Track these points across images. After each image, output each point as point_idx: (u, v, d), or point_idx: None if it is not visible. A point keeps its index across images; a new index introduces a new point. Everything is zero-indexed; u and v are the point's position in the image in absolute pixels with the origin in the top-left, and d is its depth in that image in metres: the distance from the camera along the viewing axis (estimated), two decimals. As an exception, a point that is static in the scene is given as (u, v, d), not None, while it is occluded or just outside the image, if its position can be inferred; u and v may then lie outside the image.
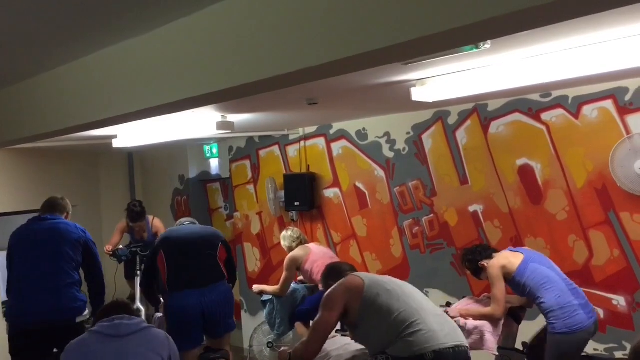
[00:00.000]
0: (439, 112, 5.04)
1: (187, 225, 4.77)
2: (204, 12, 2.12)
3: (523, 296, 3.81)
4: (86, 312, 4.18)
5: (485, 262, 3.82)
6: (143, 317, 5.55)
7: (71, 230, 4.23)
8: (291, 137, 6.18)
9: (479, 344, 3.72)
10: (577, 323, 3.50)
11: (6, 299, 4.29)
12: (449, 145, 5.01)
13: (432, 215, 5.17)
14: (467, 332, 3.66)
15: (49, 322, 3.97)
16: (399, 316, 2.80)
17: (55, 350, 3.89)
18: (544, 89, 4.30)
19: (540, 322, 3.91)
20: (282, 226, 6.09)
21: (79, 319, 4.09)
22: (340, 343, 3.27)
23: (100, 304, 4.25)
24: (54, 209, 4.34)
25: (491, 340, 3.74)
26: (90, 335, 2.88)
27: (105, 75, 2.65)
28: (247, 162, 6.64)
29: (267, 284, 5.68)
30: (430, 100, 3.62)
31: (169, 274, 4.42)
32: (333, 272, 3.39)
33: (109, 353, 2.76)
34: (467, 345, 2.92)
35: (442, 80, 3.39)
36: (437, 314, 2.93)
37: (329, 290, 3.03)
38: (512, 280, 3.71)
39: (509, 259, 3.77)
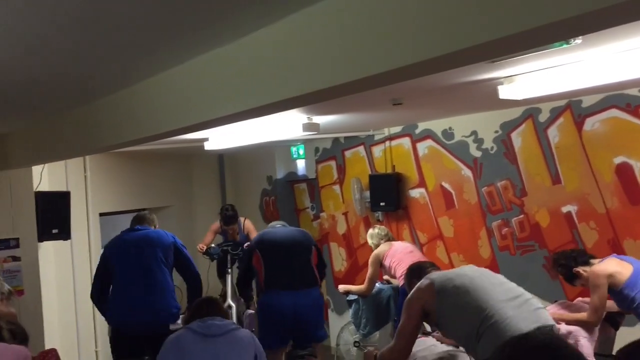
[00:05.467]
0: (529, 109, 4.88)
1: (280, 227, 4.87)
2: (291, 18, 2.18)
3: (627, 310, 3.60)
4: (179, 321, 4.30)
5: (581, 269, 3.65)
6: (234, 313, 5.74)
7: (162, 237, 4.44)
8: (376, 138, 6.18)
9: (574, 350, 3.57)
10: None
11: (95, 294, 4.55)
12: (540, 143, 4.84)
13: (522, 215, 5.02)
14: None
15: (146, 329, 4.15)
16: (473, 312, 2.73)
17: (146, 357, 4.05)
18: (644, 83, 4.07)
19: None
20: (368, 226, 6.10)
21: (172, 327, 4.20)
22: (426, 344, 3.25)
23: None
24: (143, 221, 4.59)
25: (587, 345, 3.58)
26: (186, 332, 3.09)
27: (196, 82, 2.77)
28: (333, 163, 6.70)
29: (353, 284, 5.72)
30: (519, 98, 3.52)
31: (266, 273, 4.53)
32: (415, 271, 3.38)
33: (202, 351, 2.97)
34: (552, 323, 2.76)
35: (531, 77, 3.29)
36: (513, 297, 2.79)
37: (407, 297, 3.04)
38: (619, 292, 3.49)
39: (617, 268, 3.53)
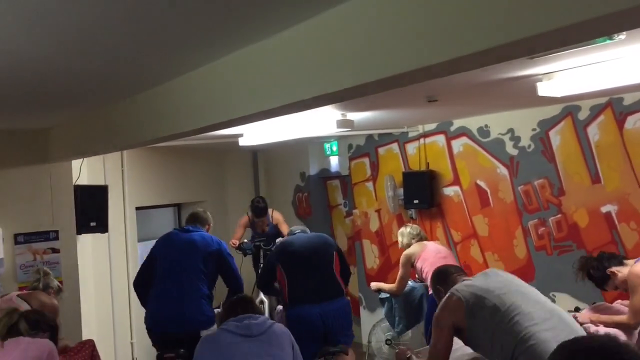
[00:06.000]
0: (568, 107, 4.78)
1: (299, 234, 4.76)
2: (328, 13, 2.17)
3: None
4: (214, 327, 4.20)
5: (616, 269, 3.56)
6: (266, 308, 5.78)
7: (207, 244, 4.39)
8: (410, 135, 6.14)
9: (612, 353, 3.49)
10: None
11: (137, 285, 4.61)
12: (580, 141, 4.74)
13: (559, 215, 4.92)
14: (599, 340, 3.45)
15: (174, 332, 4.15)
16: (506, 334, 2.60)
17: (182, 350, 4.03)
18: (690, 80, 3.94)
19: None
20: (401, 224, 6.06)
21: (203, 333, 4.07)
22: (458, 344, 3.21)
23: None
24: (196, 221, 4.59)
25: (625, 350, 3.50)
26: (222, 332, 3.06)
27: (232, 78, 2.79)
28: (366, 160, 6.68)
29: (385, 282, 5.70)
30: (558, 95, 3.45)
31: (289, 288, 4.46)
32: (440, 276, 3.25)
33: (244, 352, 2.93)
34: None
35: (572, 74, 3.22)
36: (546, 318, 2.63)
37: (436, 312, 2.92)
38: None
39: None
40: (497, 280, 2.86)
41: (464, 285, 2.91)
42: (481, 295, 2.77)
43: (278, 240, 6.19)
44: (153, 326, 4.31)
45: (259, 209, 6.45)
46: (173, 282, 4.28)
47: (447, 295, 2.90)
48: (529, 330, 2.56)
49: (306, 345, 4.29)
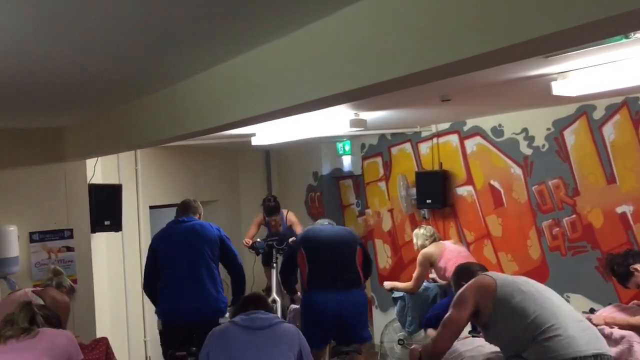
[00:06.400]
0: (583, 106, 4.74)
1: (327, 225, 4.82)
2: (339, 14, 2.17)
3: None
4: (227, 315, 4.31)
5: (638, 266, 3.54)
6: (279, 307, 5.78)
7: (208, 231, 4.44)
8: (423, 134, 6.12)
9: (627, 355, 3.46)
10: None
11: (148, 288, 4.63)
12: (595, 141, 4.70)
13: (574, 215, 4.88)
14: (614, 342, 3.42)
15: (194, 321, 4.21)
16: (535, 319, 2.67)
17: (194, 348, 4.08)
18: None
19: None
20: (414, 224, 6.05)
21: (221, 320, 4.20)
22: (473, 344, 3.20)
23: (241, 294, 4.48)
24: (188, 210, 4.58)
25: (641, 351, 3.47)
26: (230, 325, 3.16)
27: (243, 78, 2.80)
28: (379, 159, 6.67)
29: (398, 281, 5.68)
30: (573, 95, 3.42)
31: (309, 272, 4.52)
32: (464, 272, 3.31)
33: (246, 343, 3.02)
34: (611, 355, 2.71)
35: (587, 73, 3.19)
36: (577, 320, 2.75)
37: (460, 289, 2.98)
38: None
39: None
40: (533, 281, 2.96)
41: (495, 273, 3.04)
42: (515, 280, 2.89)
43: (291, 239, 6.21)
44: (171, 319, 4.33)
45: (269, 208, 6.46)
46: (188, 273, 4.32)
47: (477, 276, 2.95)
48: (561, 322, 2.65)
49: (319, 329, 4.32)
